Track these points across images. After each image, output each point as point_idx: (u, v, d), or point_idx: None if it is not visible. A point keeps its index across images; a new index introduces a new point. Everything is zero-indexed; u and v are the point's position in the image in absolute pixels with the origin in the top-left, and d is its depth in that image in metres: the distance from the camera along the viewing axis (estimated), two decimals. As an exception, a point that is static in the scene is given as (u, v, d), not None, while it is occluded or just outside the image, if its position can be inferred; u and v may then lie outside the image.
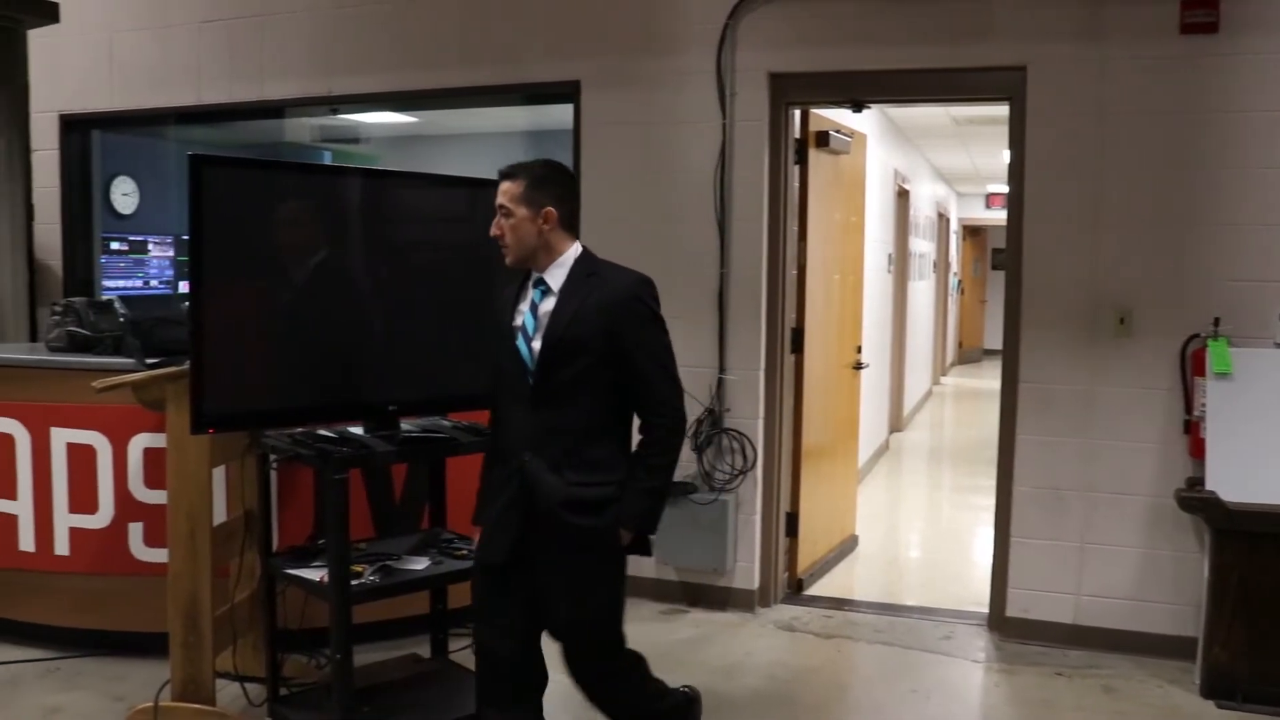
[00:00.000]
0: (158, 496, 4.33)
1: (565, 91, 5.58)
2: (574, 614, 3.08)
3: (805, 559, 5.72)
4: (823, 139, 5.64)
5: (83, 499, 4.49)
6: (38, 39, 6.33)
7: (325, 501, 3.46)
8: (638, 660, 3.33)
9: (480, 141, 8.82)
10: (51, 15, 6.07)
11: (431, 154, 8.91)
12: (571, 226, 3.08)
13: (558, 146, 6.87)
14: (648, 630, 5.07)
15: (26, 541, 4.56)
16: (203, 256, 3.24)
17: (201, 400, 3.25)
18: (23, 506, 4.55)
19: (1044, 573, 4.87)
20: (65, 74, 6.81)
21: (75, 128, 6.93)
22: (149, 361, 4.08)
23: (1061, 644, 4.83)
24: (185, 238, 7.64)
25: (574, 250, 3.06)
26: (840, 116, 5.90)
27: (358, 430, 3.61)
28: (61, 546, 4.54)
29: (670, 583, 5.45)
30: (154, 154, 7.59)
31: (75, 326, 4.71)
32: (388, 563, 3.58)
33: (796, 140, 5.44)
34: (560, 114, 6.04)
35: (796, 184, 5.46)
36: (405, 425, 3.69)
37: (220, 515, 4.08)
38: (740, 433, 5.27)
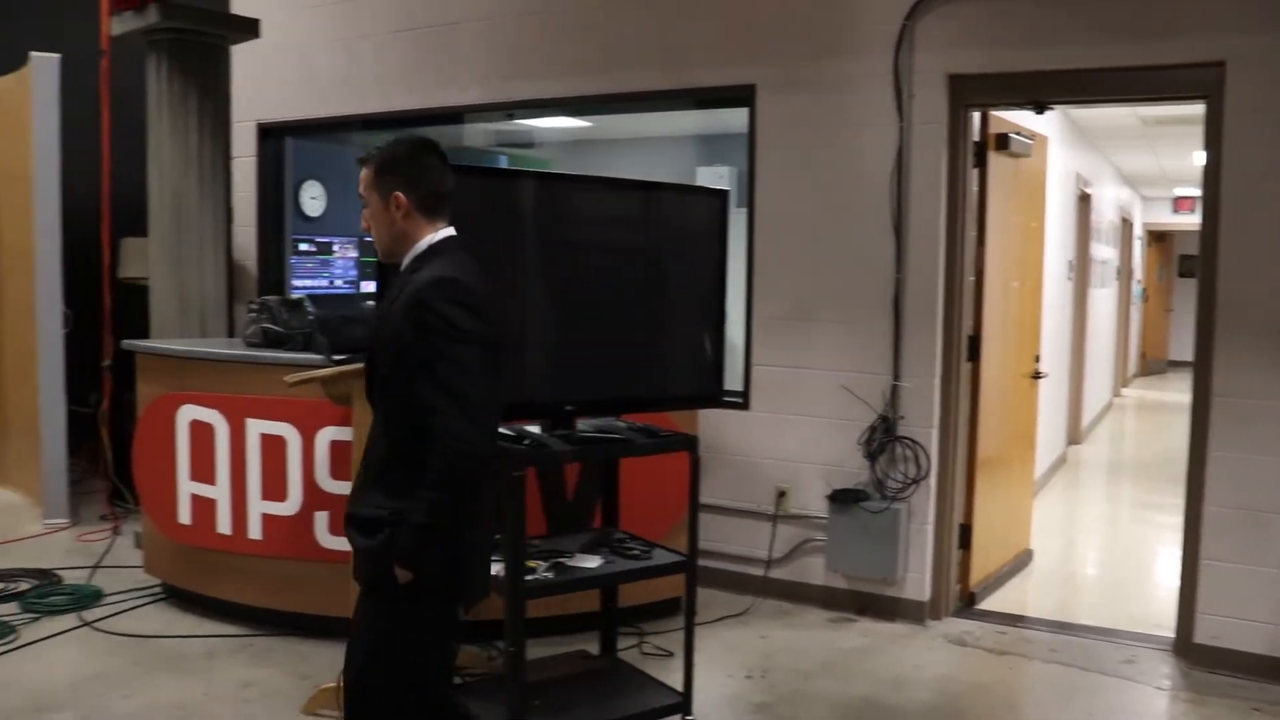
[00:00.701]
0: (342, 487, 4.50)
1: (740, 95, 5.58)
2: (346, 662, 2.68)
3: (978, 572, 5.57)
4: (1002, 141, 5.48)
5: (274, 487, 4.71)
6: (239, 53, 6.68)
7: (503, 498, 3.53)
8: None
9: (651, 146, 8.88)
10: (253, 31, 6.41)
11: (603, 158, 9.03)
12: (432, 210, 2.66)
13: (732, 149, 6.88)
14: (814, 638, 5.03)
15: (224, 524, 4.82)
16: (391, 257, 3.33)
17: (388, 396, 3.35)
18: (221, 491, 4.81)
19: (1238, 598, 4.61)
20: (263, 85, 7.17)
21: (271, 135, 7.29)
22: (336, 358, 4.26)
23: (1256, 676, 4.56)
24: (369, 239, 7.96)
25: (429, 239, 2.64)
26: (1021, 118, 5.72)
27: (534, 429, 3.68)
28: (254, 531, 4.77)
29: (839, 590, 5.39)
30: (341, 159, 7.92)
31: (270, 324, 4.96)
32: (561, 560, 3.64)
33: (975, 143, 5.31)
34: (731, 118, 6.04)
35: (975, 188, 5.33)
36: (581, 425, 3.74)
37: (402, 507, 4.21)
38: (914, 441, 5.17)
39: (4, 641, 4.67)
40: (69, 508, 6.68)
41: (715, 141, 8.31)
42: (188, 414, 4.92)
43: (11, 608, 5.11)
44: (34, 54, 6.69)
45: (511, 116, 6.88)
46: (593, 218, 3.90)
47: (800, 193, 5.41)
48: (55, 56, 6.70)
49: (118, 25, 6.23)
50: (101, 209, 7.10)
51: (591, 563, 3.67)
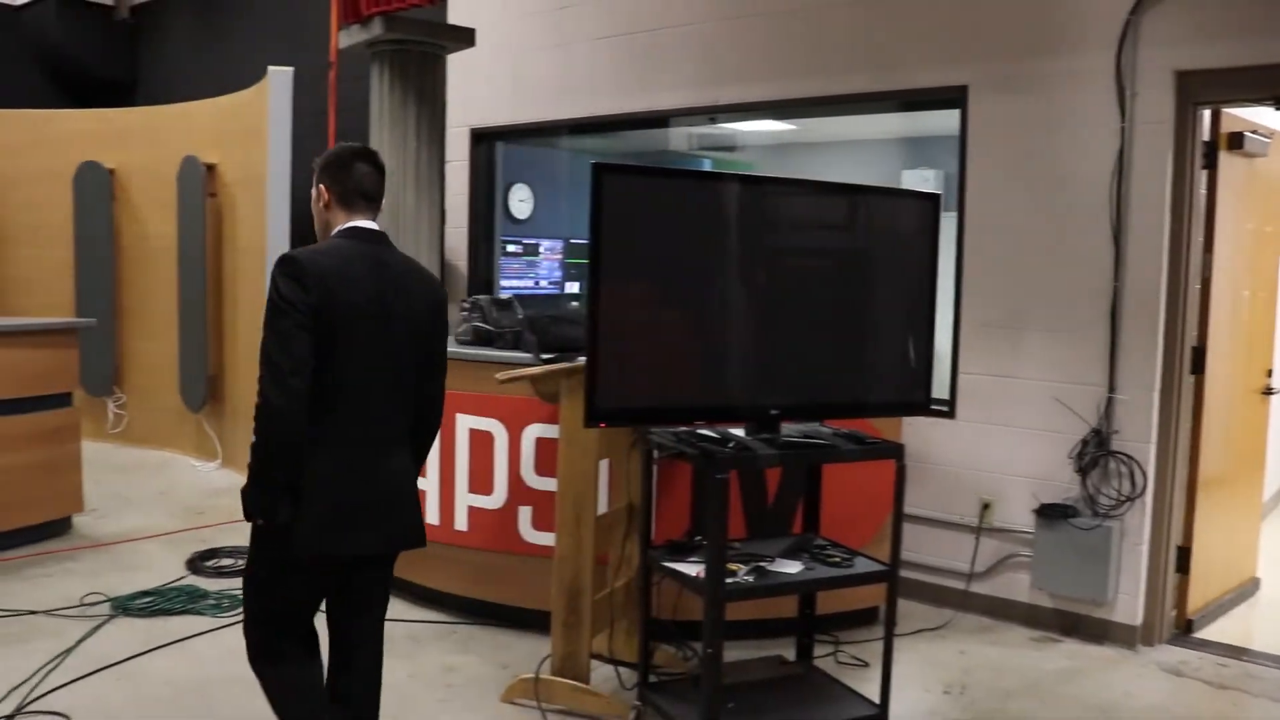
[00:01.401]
0: (546, 483, 4.63)
1: (951, 97, 5.45)
2: None
3: (1196, 598, 5.26)
4: (1235, 140, 5.16)
5: (481, 481, 4.87)
6: (454, 61, 6.94)
7: (706, 500, 3.56)
8: (286, 696, 3.01)
9: (854, 148, 8.76)
10: (469, 40, 6.65)
11: (806, 161, 8.96)
12: (348, 205, 3.01)
13: (938, 152, 6.72)
14: (1017, 656, 4.86)
15: (432, 515, 5.02)
16: (601, 259, 3.41)
17: (595, 396, 3.43)
18: (431, 483, 5.01)
19: None
20: (476, 91, 7.44)
21: (483, 140, 7.55)
22: (544, 357, 4.37)
23: None
24: (574, 241, 8.18)
25: (340, 227, 3.00)
26: (1257, 115, 5.37)
27: (738, 432, 3.69)
28: (461, 522, 4.95)
29: (1043, 609, 5.19)
30: (547, 162, 8.13)
31: (481, 322, 5.13)
32: (761, 564, 3.63)
33: (1205, 143, 5.01)
34: (938, 120, 5.90)
35: (1203, 190, 5.03)
36: (785, 430, 3.73)
37: (603, 506, 4.30)
38: (1129, 456, 4.93)
39: (235, 613, 4.99)
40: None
41: (920, 144, 8.13)
42: (466, 424, 5.01)
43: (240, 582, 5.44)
44: (271, 68, 7.14)
45: (715, 120, 6.92)
46: (798, 220, 3.88)
47: (1013, 196, 5.24)
48: (289, 70, 7.13)
49: (345, 38, 6.58)
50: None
51: (792, 568, 3.65)
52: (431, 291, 3.08)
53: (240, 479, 3.40)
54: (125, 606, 5.08)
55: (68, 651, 4.55)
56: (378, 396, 2.91)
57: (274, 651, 3.02)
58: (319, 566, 2.94)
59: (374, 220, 3.04)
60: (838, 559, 3.75)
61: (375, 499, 2.93)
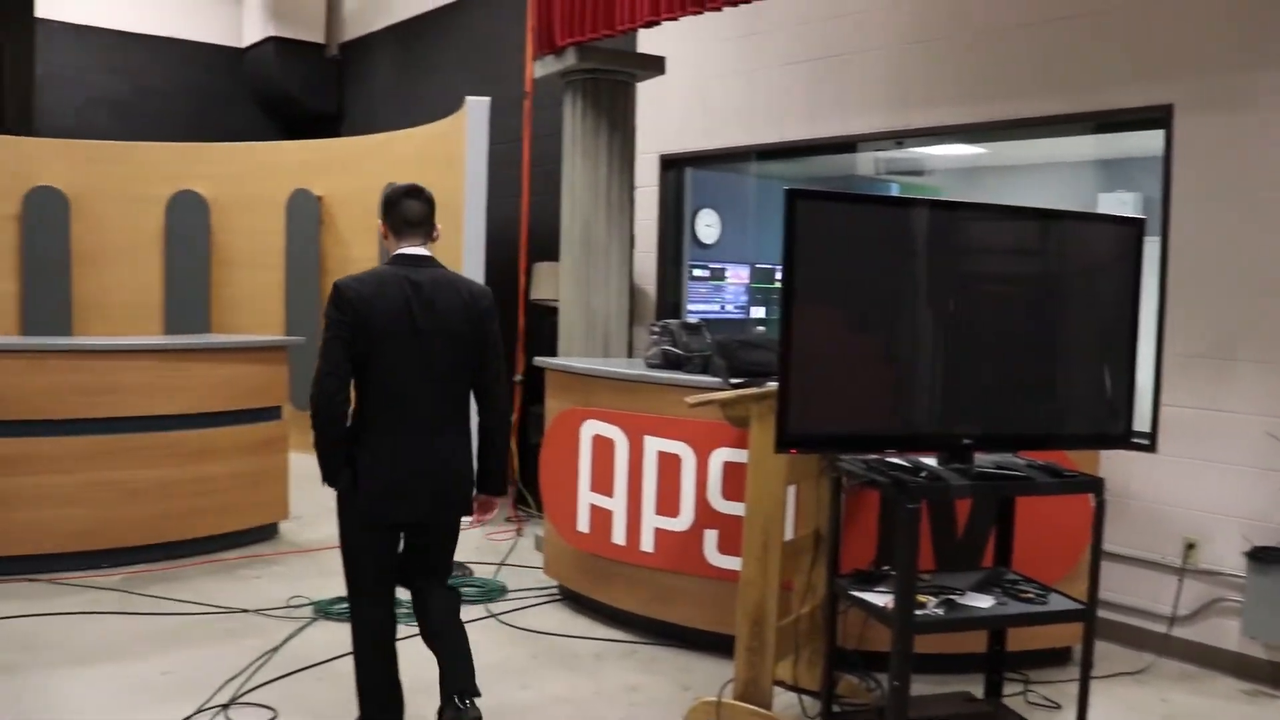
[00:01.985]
0: (732, 508, 4.65)
1: (1154, 117, 5.23)
2: None
3: None
4: None
5: (667, 503, 4.93)
6: (644, 89, 7.07)
7: (896, 529, 3.51)
8: (357, 634, 3.75)
9: (1047, 172, 8.49)
10: (659, 68, 6.77)
11: (995, 185, 8.73)
12: (399, 233, 3.68)
13: (1141, 173, 6.46)
14: (1225, 710, 4.59)
15: (619, 535, 5.10)
16: (794, 285, 3.41)
17: (787, 422, 3.43)
18: (618, 504, 5.10)
19: None
20: (666, 118, 7.55)
21: (672, 166, 7.65)
22: (734, 382, 4.40)
23: None
24: (759, 266, 8.20)
25: (392, 254, 3.69)
26: None
27: (930, 461, 3.63)
28: (646, 543, 5.00)
29: (1256, 659, 4.89)
30: (734, 187, 8.18)
31: (670, 346, 5.20)
32: (952, 597, 3.56)
33: None
34: (1135, 141, 5.68)
35: None
36: (978, 460, 3.65)
37: (789, 532, 4.29)
38: (1353, 499, 4.61)
39: (427, 624, 5.18)
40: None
41: (1117, 166, 7.81)
42: (591, 429, 5.20)
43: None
44: (469, 98, 7.43)
45: (901, 144, 6.83)
46: (992, 246, 3.80)
47: (1224, 220, 4.99)
48: (486, 100, 7.40)
49: (539, 69, 6.78)
50: (520, 235, 7.74)
51: (984, 602, 3.56)
52: (468, 301, 3.66)
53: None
54: (326, 610, 5.35)
55: (274, 650, 4.82)
56: (416, 391, 3.56)
57: (365, 613, 3.71)
58: (380, 529, 3.63)
59: (423, 244, 3.69)
60: (1031, 595, 3.64)
61: (421, 475, 3.58)
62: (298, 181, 9.32)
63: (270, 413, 6.66)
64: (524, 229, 7.71)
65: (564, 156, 6.72)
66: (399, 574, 3.79)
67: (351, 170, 9.04)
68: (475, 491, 3.77)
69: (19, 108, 9.28)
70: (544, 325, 7.62)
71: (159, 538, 6.15)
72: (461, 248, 7.38)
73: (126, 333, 8.93)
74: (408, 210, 3.66)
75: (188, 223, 9.47)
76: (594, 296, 6.61)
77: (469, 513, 3.77)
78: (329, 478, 3.62)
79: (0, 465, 5.76)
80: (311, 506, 7.31)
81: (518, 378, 7.53)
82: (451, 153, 7.74)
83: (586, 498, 5.22)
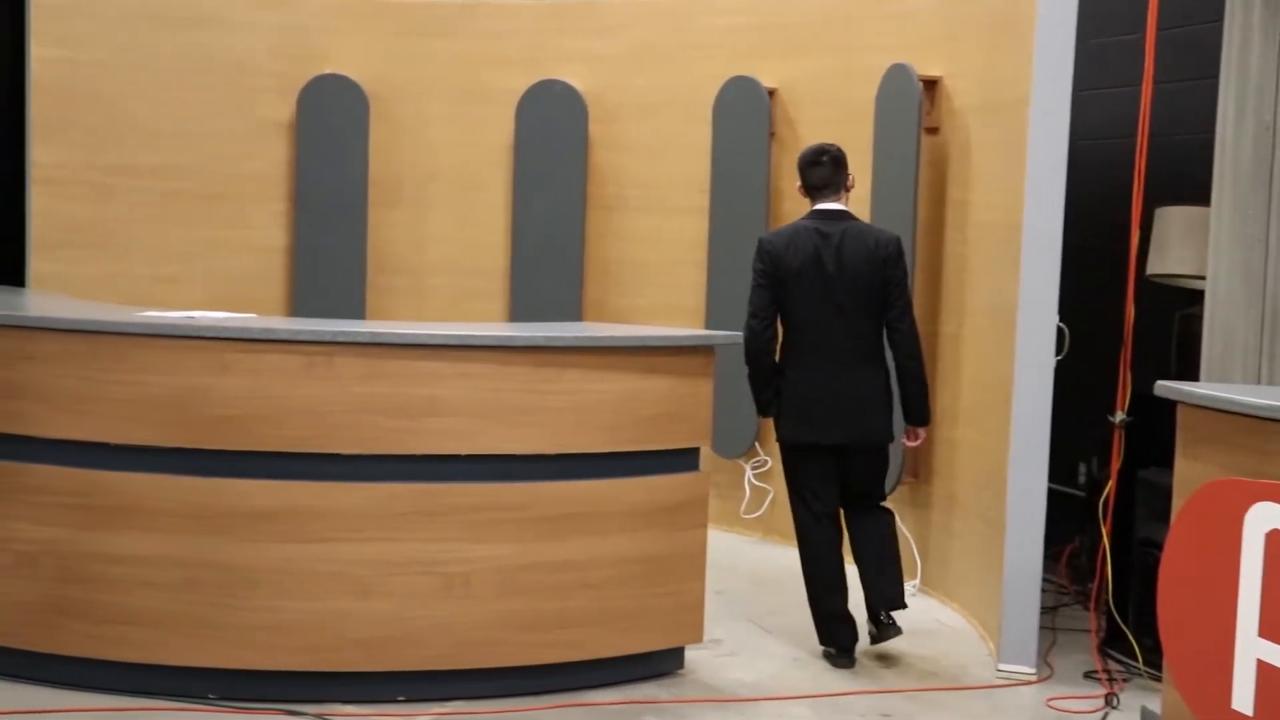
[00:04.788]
0: None
1: None
2: None
3: None
4: None
5: None
6: None
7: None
8: (804, 557, 4.39)
9: None
10: None
11: None
12: (811, 192, 4.37)
13: None
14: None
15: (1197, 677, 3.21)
16: None
17: None
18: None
19: None
20: None
21: None
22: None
23: None
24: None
25: (810, 209, 4.39)
26: None
27: None
28: (1242, 689, 3.17)
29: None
30: None
31: None
32: None
33: None
34: None
35: None
36: None
37: None
38: None
39: None
40: (1037, 650, 4.29)
41: None
42: (1267, 518, 3.22)
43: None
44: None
45: None
46: None
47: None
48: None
49: None
50: (1133, 160, 4.42)
51: None
52: (872, 248, 4.22)
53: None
54: None
55: None
56: (826, 329, 4.25)
57: (803, 525, 4.36)
58: (805, 453, 4.32)
59: (836, 199, 4.34)
60: None
61: (832, 404, 4.24)
62: (733, 64, 6.08)
63: (683, 459, 4.18)
64: (1141, 147, 4.39)
65: (1226, 20, 4.11)
66: (840, 499, 4.37)
67: (824, 44, 5.90)
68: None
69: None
70: (1168, 324, 4.40)
71: (489, 659, 3.94)
72: (1023, 180, 4.24)
73: (449, 317, 6.34)
74: (814, 177, 4.34)
75: (550, 133, 6.42)
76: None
77: (886, 440, 4.35)
78: (761, 409, 4.41)
79: (246, 523, 3.72)
80: (738, 626, 4.74)
81: (1118, 416, 4.33)
82: (1008, 18, 4.58)
83: (1252, 646, 3.32)
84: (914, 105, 5.13)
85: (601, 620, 3.99)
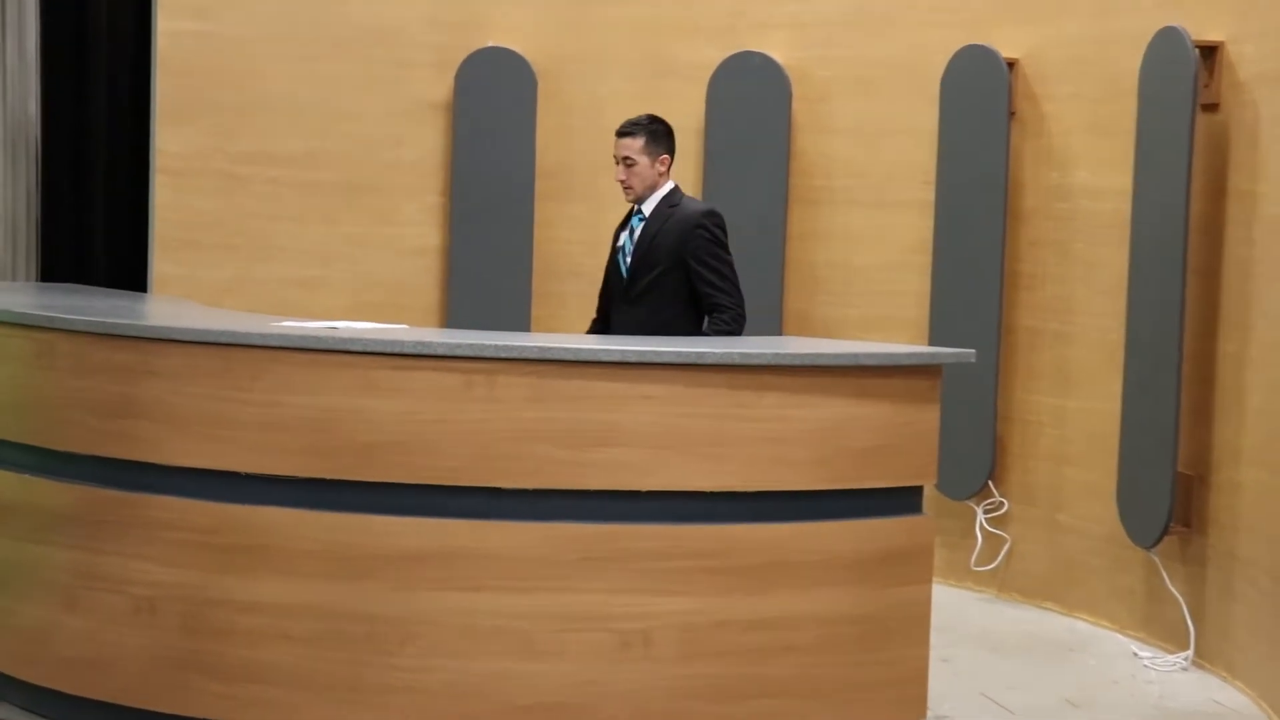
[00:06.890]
0: None
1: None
2: None
3: None
4: None
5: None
6: None
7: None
8: None
9: None
10: None
11: None
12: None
13: None
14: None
15: None
16: None
17: None
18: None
19: None
20: None
21: None
22: None
23: None
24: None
25: (667, 187, 4.29)
26: None
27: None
28: None
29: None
30: None
31: None
32: None
33: None
34: None
35: None
36: None
37: None
38: None
39: None
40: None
41: None
42: None
43: None
44: None
45: None
46: None
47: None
48: None
49: None
50: None
51: None
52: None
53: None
54: None
55: None
56: None
57: None
58: None
59: None
60: None
61: None
62: (966, 31, 5.59)
63: (903, 500, 3.80)
64: None
65: None
66: None
67: (1075, 9, 5.33)
68: None
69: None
70: None
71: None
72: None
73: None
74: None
75: (747, 114, 5.96)
76: None
77: None
78: None
79: (393, 567, 3.39)
80: (968, 702, 4.29)
81: None
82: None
83: None
84: (1188, 77, 4.61)
85: (804, 691, 3.54)
